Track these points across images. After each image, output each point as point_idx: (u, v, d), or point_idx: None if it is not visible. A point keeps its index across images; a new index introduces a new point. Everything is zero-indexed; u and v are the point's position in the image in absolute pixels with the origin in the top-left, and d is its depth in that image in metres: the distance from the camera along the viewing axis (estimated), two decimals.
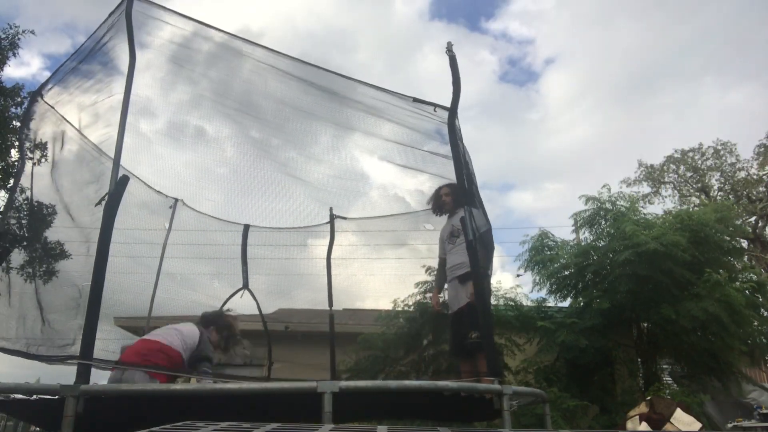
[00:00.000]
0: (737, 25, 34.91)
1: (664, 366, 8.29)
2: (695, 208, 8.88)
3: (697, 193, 19.17)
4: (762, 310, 7.53)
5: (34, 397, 2.57)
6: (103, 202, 2.79)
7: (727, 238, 7.79)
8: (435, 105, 3.54)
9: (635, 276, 6.88)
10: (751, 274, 7.99)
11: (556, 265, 8.08)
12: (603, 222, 8.30)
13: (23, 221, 5.44)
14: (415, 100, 3.53)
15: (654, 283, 6.98)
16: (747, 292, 7.05)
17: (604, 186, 8.47)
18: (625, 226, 7.18)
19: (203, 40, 3.59)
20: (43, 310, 3.92)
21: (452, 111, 3.43)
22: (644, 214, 8.51)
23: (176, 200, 5.25)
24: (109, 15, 3.19)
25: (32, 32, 9.35)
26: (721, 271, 7.05)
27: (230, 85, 3.91)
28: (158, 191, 5.06)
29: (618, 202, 8.38)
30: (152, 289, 4.99)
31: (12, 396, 2.63)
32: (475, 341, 3.69)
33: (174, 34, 3.46)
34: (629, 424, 4.96)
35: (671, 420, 4.74)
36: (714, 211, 7.68)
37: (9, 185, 8.22)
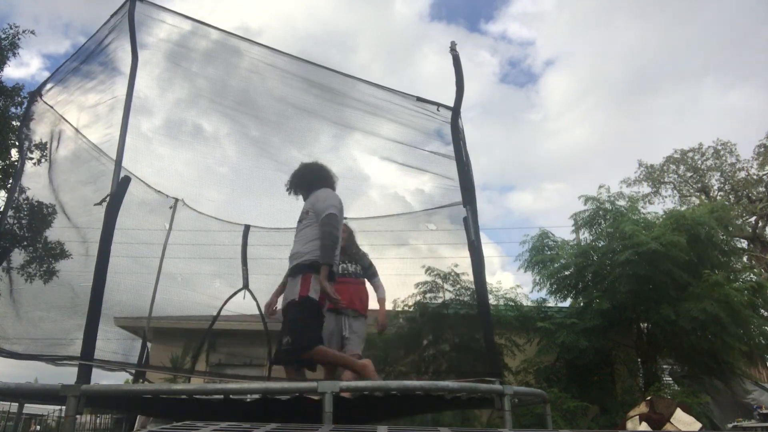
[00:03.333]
0: (737, 25, 34.95)
1: (664, 366, 8.30)
2: (693, 208, 8.88)
3: (697, 194, 19.17)
4: (762, 310, 7.53)
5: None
6: (105, 203, 2.78)
7: (724, 237, 7.79)
8: (438, 104, 3.54)
9: (635, 276, 6.89)
10: (751, 275, 8.00)
11: (556, 266, 8.09)
12: (603, 222, 8.31)
13: (23, 221, 5.43)
14: (419, 99, 3.53)
15: (654, 284, 6.98)
16: (746, 292, 7.05)
17: (602, 186, 8.49)
18: (624, 226, 7.18)
19: (203, 39, 3.59)
20: (20, 308, 3.91)
21: (455, 110, 3.43)
22: (644, 213, 8.53)
23: (176, 200, 5.25)
24: (111, 16, 3.19)
25: (32, 32, 9.32)
26: (716, 271, 7.06)
27: (231, 85, 3.90)
28: (158, 191, 5.05)
29: (617, 202, 8.38)
30: (152, 289, 4.98)
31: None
32: (287, 348, 3.07)
33: (174, 34, 3.45)
34: (629, 424, 4.97)
35: (671, 420, 4.74)
36: (710, 210, 7.68)
37: (9, 185, 8.21)
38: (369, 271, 4.47)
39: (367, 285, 4.45)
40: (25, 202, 5.12)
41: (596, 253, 8.00)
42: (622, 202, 8.42)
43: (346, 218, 5.59)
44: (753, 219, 17.61)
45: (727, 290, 6.53)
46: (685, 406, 5.06)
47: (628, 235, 6.99)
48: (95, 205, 2.77)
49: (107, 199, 2.77)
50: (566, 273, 8.20)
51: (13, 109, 9.14)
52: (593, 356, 7.16)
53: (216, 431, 1.61)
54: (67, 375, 2.57)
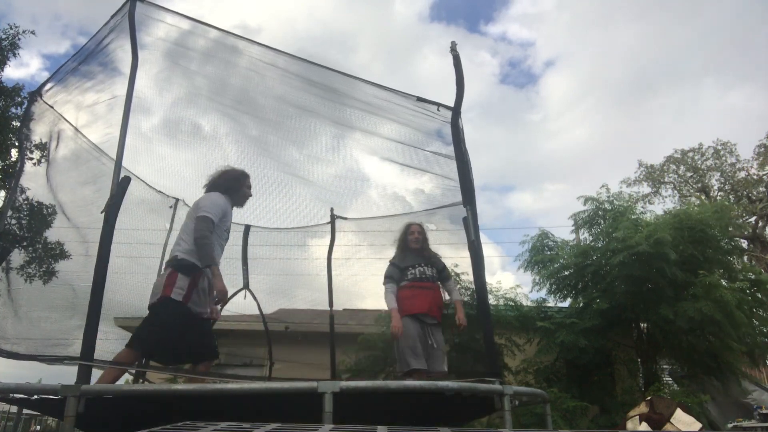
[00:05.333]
0: (737, 25, 34.95)
1: (664, 366, 8.30)
2: (694, 207, 8.87)
3: (697, 193, 19.16)
4: (762, 309, 7.52)
5: None
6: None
7: (720, 237, 7.77)
8: (438, 104, 3.54)
9: (631, 277, 6.89)
10: (750, 274, 7.99)
11: (555, 266, 8.08)
12: (602, 222, 8.31)
13: (23, 221, 5.44)
14: (419, 99, 3.53)
15: (652, 284, 6.98)
16: (747, 291, 7.04)
17: (602, 186, 8.50)
18: (620, 230, 7.18)
19: (203, 39, 3.60)
20: (20, 309, 3.92)
21: (456, 110, 3.43)
22: (642, 212, 8.53)
23: (177, 200, 5.25)
24: (112, 17, 3.19)
25: (32, 33, 9.32)
26: (718, 271, 7.04)
27: (232, 84, 3.90)
28: (158, 191, 5.05)
29: (615, 202, 8.39)
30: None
31: None
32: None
33: (174, 34, 3.45)
34: (629, 424, 4.96)
35: (671, 420, 4.73)
36: (713, 211, 7.68)
37: (9, 185, 8.21)
38: (443, 274, 4.33)
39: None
40: (25, 202, 5.12)
41: (595, 254, 8.00)
42: (620, 201, 8.42)
43: (346, 219, 5.58)
44: (753, 219, 17.61)
45: (721, 291, 6.51)
46: (685, 406, 5.06)
47: (620, 238, 7.00)
48: (101, 212, 2.77)
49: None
50: (566, 273, 8.20)
51: (13, 109, 9.14)
52: (593, 356, 7.16)
53: (216, 431, 1.61)
54: (68, 375, 2.58)
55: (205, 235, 3.18)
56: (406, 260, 4.27)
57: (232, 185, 3.55)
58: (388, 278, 4.23)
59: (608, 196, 8.42)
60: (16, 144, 8.44)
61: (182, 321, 3.15)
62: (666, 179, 19.98)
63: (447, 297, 4.36)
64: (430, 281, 4.17)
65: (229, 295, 5.31)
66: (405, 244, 4.34)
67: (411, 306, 4.06)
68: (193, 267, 3.21)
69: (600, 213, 8.31)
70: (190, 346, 3.26)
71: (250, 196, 3.70)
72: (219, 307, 3.64)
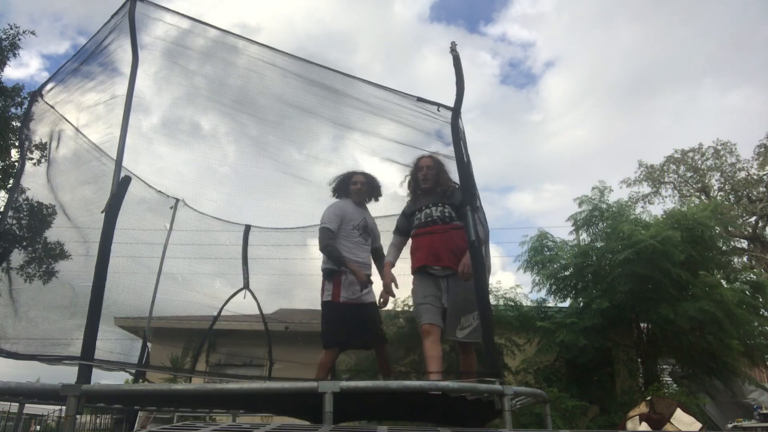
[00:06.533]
0: (737, 26, 34.96)
1: (664, 366, 8.30)
2: (692, 207, 8.90)
3: (697, 194, 19.15)
4: (762, 310, 7.53)
5: None
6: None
7: (718, 237, 7.78)
8: (438, 105, 3.52)
9: (635, 275, 6.90)
10: (751, 275, 7.99)
11: (555, 266, 8.09)
12: (600, 223, 8.33)
13: (23, 221, 5.43)
14: (419, 99, 3.51)
15: (653, 283, 6.99)
16: (747, 292, 7.05)
17: (593, 189, 8.52)
18: (622, 227, 7.19)
19: (203, 39, 3.59)
20: (20, 308, 3.92)
21: (456, 111, 3.41)
22: (639, 212, 8.57)
23: (177, 200, 5.24)
24: (112, 17, 3.18)
25: (33, 33, 9.33)
26: (716, 271, 7.06)
27: (231, 84, 3.90)
28: (159, 191, 5.05)
29: (607, 200, 8.42)
30: (153, 290, 4.98)
31: None
32: None
33: (174, 34, 3.45)
34: (629, 424, 4.96)
35: (671, 420, 4.74)
36: (712, 210, 7.68)
37: (9, 185, 8.21)
38: (462, 211, 3.19)
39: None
40: (25, 202, 5.12)
41: (595, 254, 8.01)
42: (611, 200, 8.45)
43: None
44: (753, 219, 17.60)
45: (722, 291, 6.53)
46: (685, 406, 5.06)
47: (626, 235, 7.01)
48: (102, 212, 2.77)
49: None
50: (566, 273, 8.21)
51: (13, 109, 9.15)
52: (593, 355, 7.17)
53: (216, 431, 1.61)
54: (68, 375, 2.57)
55: (326, 243, 3.73)
56: (415, 204, 3.70)
57: (342, 187, 4.10)
58: (395, 230, 3.85)
59: (600, 191, 8.47)
60: (17, 144, 8.44)
61: (340, 315, 3.70)
62: (666, 179, 19.97)
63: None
64: (436, 224, 3.48)
65: (230, 295, 5.33)
66: (416, 184, 3.75)
67: (415, 260, 3.57)
68: (333, 271, 3.77)
69: (596, 213, 8.34)
70: (358, 333, 3.75)
71: (359, 188, 4.06)
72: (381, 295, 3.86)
